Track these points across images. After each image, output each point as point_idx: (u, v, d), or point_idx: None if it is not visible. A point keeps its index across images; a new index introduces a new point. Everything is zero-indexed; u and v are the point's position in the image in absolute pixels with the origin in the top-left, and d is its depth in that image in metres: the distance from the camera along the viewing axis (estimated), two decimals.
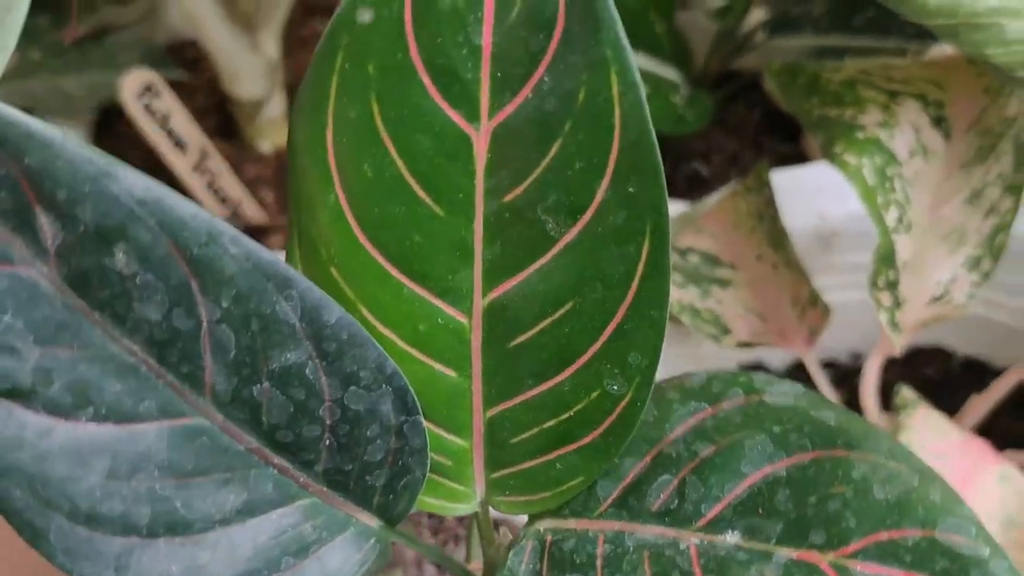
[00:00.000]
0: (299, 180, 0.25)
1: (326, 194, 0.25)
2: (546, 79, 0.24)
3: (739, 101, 0.78)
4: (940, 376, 0.66)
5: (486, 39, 0.23)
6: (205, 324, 0.23)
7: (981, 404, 0.55)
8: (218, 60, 0.74)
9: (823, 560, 0.23)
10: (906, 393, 0.50)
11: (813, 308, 0.55)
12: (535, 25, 0.23)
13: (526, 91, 0.24)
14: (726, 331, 0.57)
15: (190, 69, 0.82)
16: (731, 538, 0.25)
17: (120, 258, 0.22)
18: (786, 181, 0.62)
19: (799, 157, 0.74)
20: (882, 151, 0.51)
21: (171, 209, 0.22)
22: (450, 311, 0.26)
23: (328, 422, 0.25)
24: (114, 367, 0.23)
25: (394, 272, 0.25)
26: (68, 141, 0.21)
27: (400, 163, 0.24)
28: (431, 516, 0.48)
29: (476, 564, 0.34)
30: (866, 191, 0.49)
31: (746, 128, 0.78)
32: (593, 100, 0.24)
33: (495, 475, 0.28)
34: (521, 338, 0.26)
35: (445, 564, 0.31)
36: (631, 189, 0.24)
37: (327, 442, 0.26)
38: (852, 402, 0.56)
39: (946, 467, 0.47)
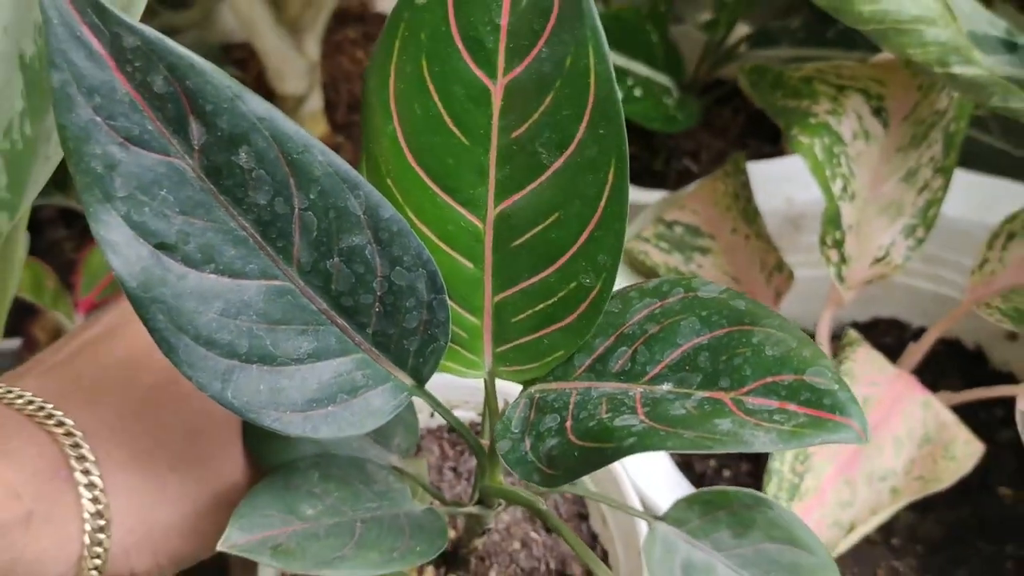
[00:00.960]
0: (369, 115, 0.34)
1: (387, 125, 0.34)
2: (544, 50, 0.33)
3: (726, 105, 0.86)
4: (896, 343, 0.74)
5: (504, 20, 0.33)
6: (297, 211, 0.32)
7: (916, 351, 0.64)
8: (267, 60, 0.83)
9: (726, 397, 0.32)
10: (852, 334, 0.59)
11: (779, 273, 0.64)
12: (538, 11, 0.32)
13: (530, 58, 0.33)
14: None
15: (239, 67, 0.91)
16: (665, 387, 0.34)
17: (243, 157, 0.31)
18: (761, 170, 0.71)
19: (780, 156, 0.82)
20: (830, 133, 0.60)
21: (281, 125, 0.31)
22: (470, 217, 0.35)
23: (378, 293, 0.34)
24: (231, 237, 0.32)
25: (432, 185, 0.34)
26: (216, 71, 0.30)
27: (440, 106, 0.34)
28: (451, 431, 0.57)
29: (486, 442, 0.42)
30: (815, 164, 0.58)
31: (732, 129, 0.86)
32: (576, 66, 0.33)
33: (499, 349, 0.37)
34: (520, 240, 0.35)
35: (455, 425, 0.39)
36: (601, 131, 0.33)
37: (377, 309, 0.35)
38: None
39: (878, 392, 0.56)
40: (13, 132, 0.41)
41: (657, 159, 0.84)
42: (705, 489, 0.39)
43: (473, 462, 0.56)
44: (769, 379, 0.32)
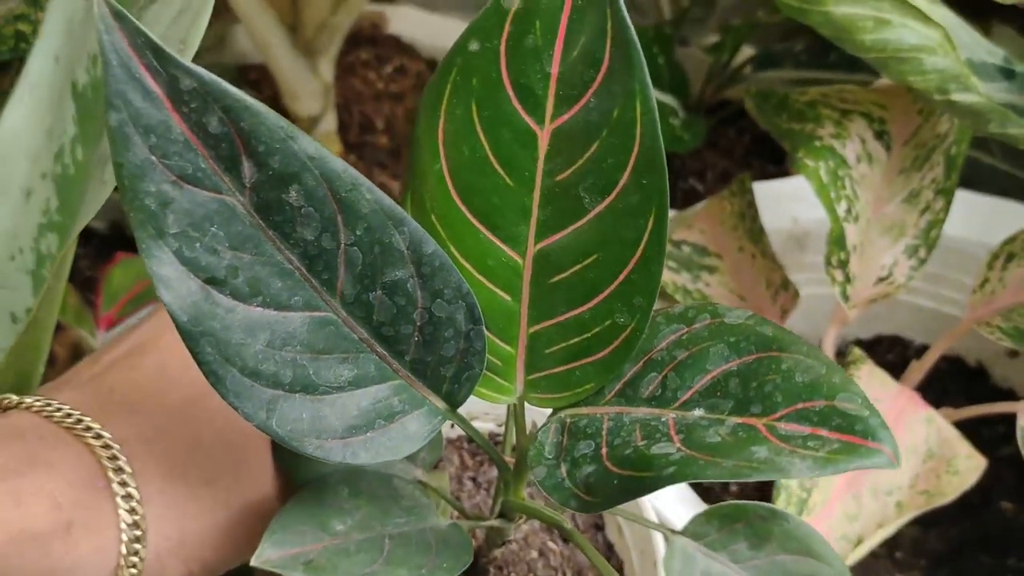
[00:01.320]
0: (417, 153, 0.35)
1: (434, 164, 0.35)
2: (592, 100, 0.34)
3: (731, 126, 0.87)
4: (899, 360, 0.75)
5: (554, 69, 0.34)
6: (343, 246, 0.33)
7: (918, 369, 0.65)
8: (281, 81, 0.83)
9: (759, 423, 0.33)
10: (856, 352, 0.60)
11: (785, 291, 0.65)
12: (589, 62, 0.33)
13: (578, 107, 0.34)
14: None
15: (254, 88, 0.91)
16: (697, 412, 0.34)
17: (293, 195, 0.32)
18: (767, 190, 0.72)
19: (784, 176, 0.83)
20: (835, 156, 0.61)
21: (331, 164, 0.32)
22: (511, 253, 0.36)
23: (418, 323, 0.35)
24: (278, 271, 0.33)
25: (475, 222, 0.35)
26: (270, 113, 0.31)
27: (487, 148, 0.35)
28: (470, 442, 0.57)
29: (509, 459, 0.43)
30: (821, 186, 0.59)
31: (737, 150, 0.87)
32: (623, 117, 0.33)
33: (531, 377, 0.38)
34: (558, 277, 0.36)
35: (484, 447, 0.40)
36: (644, 181, 0.34)
37: (416, 338, 0.35)
38: None
39: (882, 409, 0.57)
40: (65, 157, 0.42)
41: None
42: (722, 504, 0.40)
43: (493, 472, 0.56)
44: (800, 405, 0.33)
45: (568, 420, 0.38)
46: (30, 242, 0.48)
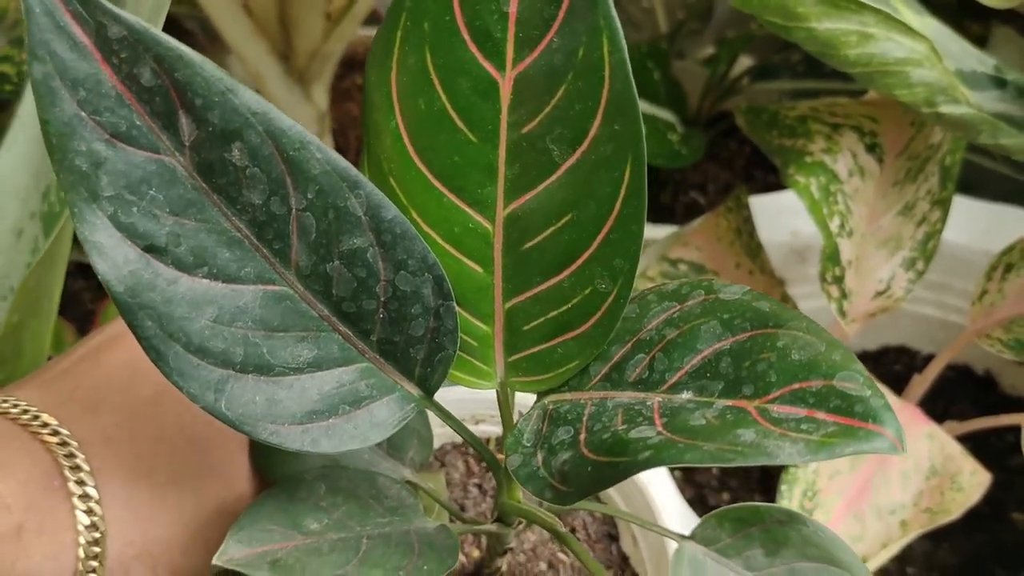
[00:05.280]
0: (370, 111, 0.30)
1: (389, 121, 0.30)
2: (555, 40, 0.29)
3: (731, 137, 0.83)
4: (905, 371, 0.70)
5: (512, 8, 0.29)
6: (294, 211, 0.29)
7: (922, 381, 0.59)
8: None
9: (750, 405, 0.28)
10: None
11: None
12: None
13: (540, 48, 0.29)
14: None
15: None
16: (685, 395, 0.29)
17: (236, 154, 0.28)
18: (766, 204, 0.67)
19: (784, 188, 0.79)
20: (826, 171, 0.56)
21: (276, 120, 0.28)
22: (478, 218, 0.31)
23: (382, 298, 0.30)
24: (225, 239, 0.28)
25: (437, 184, 0.31)
26: (206, 63, 0.27)
27: (445, 100, 0.30)
28: (463, 450, 0.52)
29: (503, 457, 0.38)
30: (813, 204, 0.55)
31: (737, 161, 0.82)
32: (589, 57, 0.29)
33: (512, 358, 0.33)
34: (532, 242, 0.31)
35: (474, 443, 0.35)
36: (616, 127, 0.29)
37: (381, 315, 0.31)
38: None
39: None
40: (51, 195, 0.43)
41: (665, 192, 0.80)
42: (736, 505, 0.34)
43: None
44: (796, 385, 0.28)
45: (551, 406, 0.32)
46: (20, 281, 0.46)
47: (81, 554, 0.32)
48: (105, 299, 0.71)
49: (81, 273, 0.81)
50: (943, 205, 0.58)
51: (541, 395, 0.34)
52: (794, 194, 0.68)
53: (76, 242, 0.67)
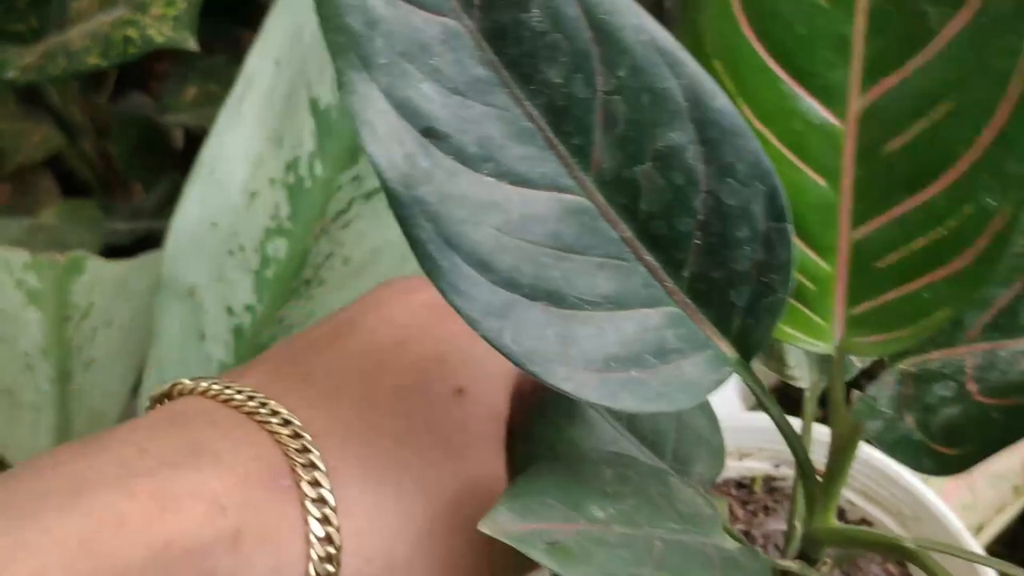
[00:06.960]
0: None
1: None
2: None
3: None
4: None
5: None
6: (600, 94, 0.23)
7: None
8: None
9: None
10: None
11: None
12: None
13: None
14: None
15: None
16: None
17: (535, 14, 0.22)
18: None
19: None
20: None
21: None
22: (824, 112, 0.24)
23: (700, 216, 0.24)
24: (516, 129, 0.23)
25: (774, 66, 0.24)
26: None
27: None
28: (739, 487, 0.44)
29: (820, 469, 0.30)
30: None
31: None
32: None
33: (855, 310, 0.25)
34: (894, 144, 0.24)
35: (784, 430, 0.28)
36: None
37: (697, 241, 0.24)
38: None
39: None
40: (300, 168, 0.41)
41: None
42: None
43: (771, 525, 0.42)
44: None
45: (912, 370, 0.24)
46: (254, 243, 0.44)
47: (312, 572, 0.26)
48: None
49: None
50: None
51: (892, 360, 0.26)
52: None
53: None
